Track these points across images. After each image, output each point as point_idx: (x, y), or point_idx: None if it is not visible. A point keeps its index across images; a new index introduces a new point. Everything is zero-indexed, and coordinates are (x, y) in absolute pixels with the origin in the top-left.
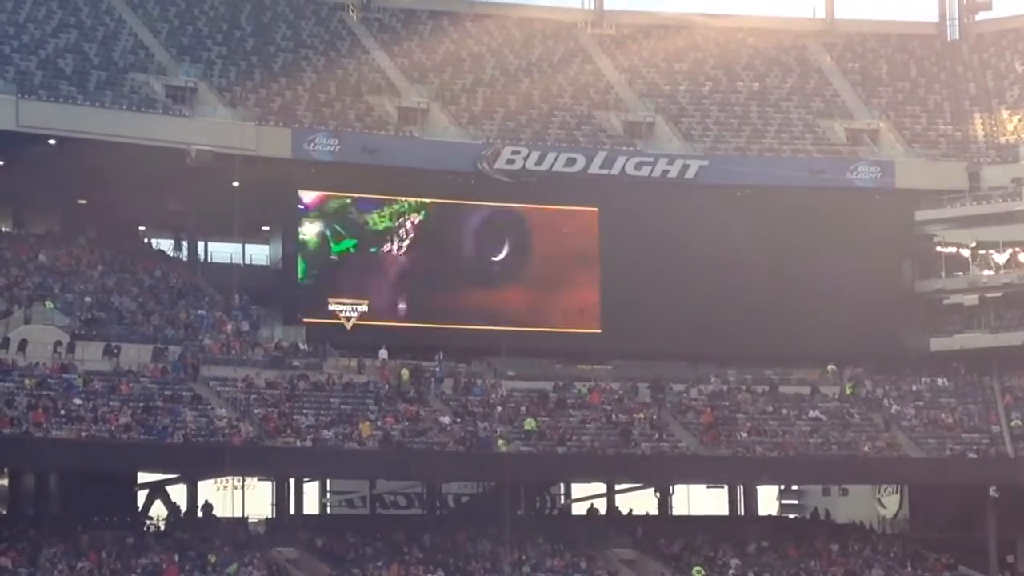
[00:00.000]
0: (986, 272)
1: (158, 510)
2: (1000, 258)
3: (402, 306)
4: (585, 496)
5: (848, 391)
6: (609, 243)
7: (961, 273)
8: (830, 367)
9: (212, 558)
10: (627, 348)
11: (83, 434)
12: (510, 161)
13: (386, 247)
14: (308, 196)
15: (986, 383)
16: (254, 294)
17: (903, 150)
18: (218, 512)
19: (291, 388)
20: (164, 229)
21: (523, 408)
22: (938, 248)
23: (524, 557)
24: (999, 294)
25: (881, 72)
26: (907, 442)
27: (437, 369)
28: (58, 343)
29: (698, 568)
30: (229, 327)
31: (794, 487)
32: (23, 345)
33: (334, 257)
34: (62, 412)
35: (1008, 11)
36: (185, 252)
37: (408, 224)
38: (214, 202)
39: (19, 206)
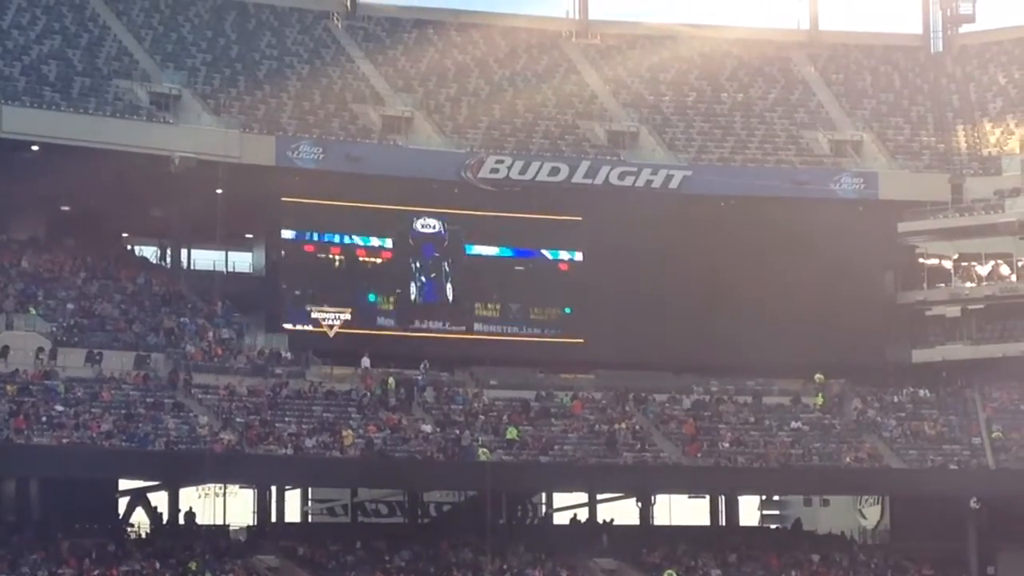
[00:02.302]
0: (968, 284)
1: (139, 517)
2: (982, 270)
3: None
4: (567, 506)
5: (819, 401)
6: (592, 252)
7: (943, 285)
8: (818, 376)
9: (193, 565)
10: (610, 358)
11: (64, 441)
12: (494, 170)
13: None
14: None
15: (967, 395)
16: (237, 301)
17: (886, 161)
18: (199, 520)
19: (273, 396)
20: (147, 236)
21: (505, 417)
22: (920, 260)
23: (505, 566)
24: (981, 306)
25: (865, 83)
26: (888, 453)
27: (420, 378)
28: (40, 349)
29: (670, 572)
30: (211, 334)
31: (775, 497)
32: (5, 351)
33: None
34: (44, 419)
35: (992, 24)
36: (168, 259)
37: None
38: (197, 209)
39: (2, 212)
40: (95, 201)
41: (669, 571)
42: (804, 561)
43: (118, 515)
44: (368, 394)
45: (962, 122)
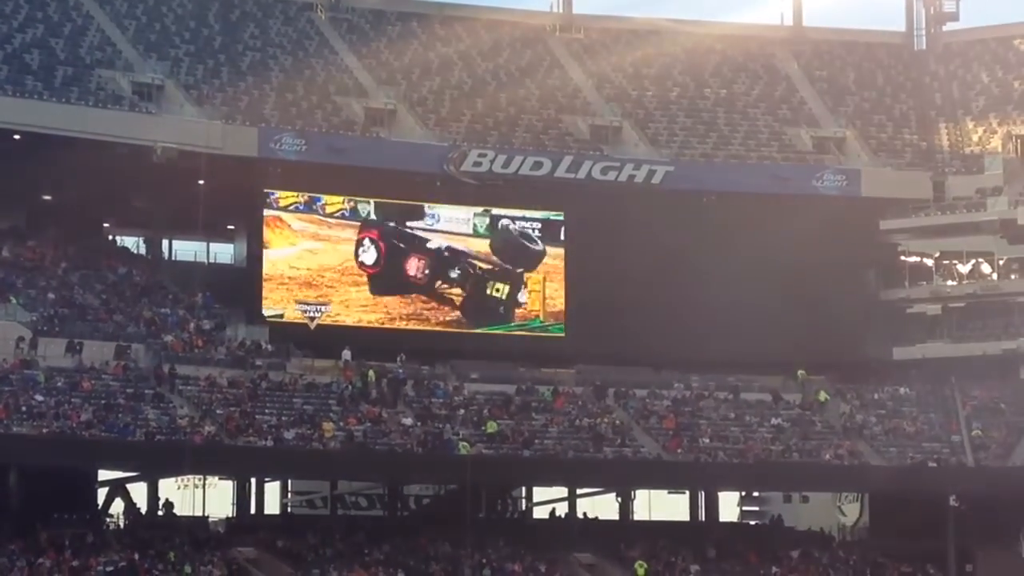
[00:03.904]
0: (949, 282)
1: (118, 508)
2: (963, 268)
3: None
4: (546, 500)
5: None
6: (574, 247)
7: (924, 283)
8: (800, 372)
9: (172, 557)
10: (591, 352)
11: (44, 430)
12: (476, 163)
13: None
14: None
15: (947, 393)
16: (218, 293)
17: (868, 159)
18: (178, 511)
19: (253, 387)
20: (129, 226)
21: (486, 411)
22: (902, 257)
23: (484, 560)
24: (962, 304)
25: (848, 81)
26: (868, 450)
27: (400, 370)
28: (21, 339)
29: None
30: (192, 325)
31: (755, 494)
32: None
33: None
34: (23, 408)
35: (975, 22)
36: (150, 250)
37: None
38: (179, 200)
39: None
40: (77, 191)
41: (640, 561)
42: (783, 557)
43: (97, 506)
44: (349, 387)
45: (945, 120)
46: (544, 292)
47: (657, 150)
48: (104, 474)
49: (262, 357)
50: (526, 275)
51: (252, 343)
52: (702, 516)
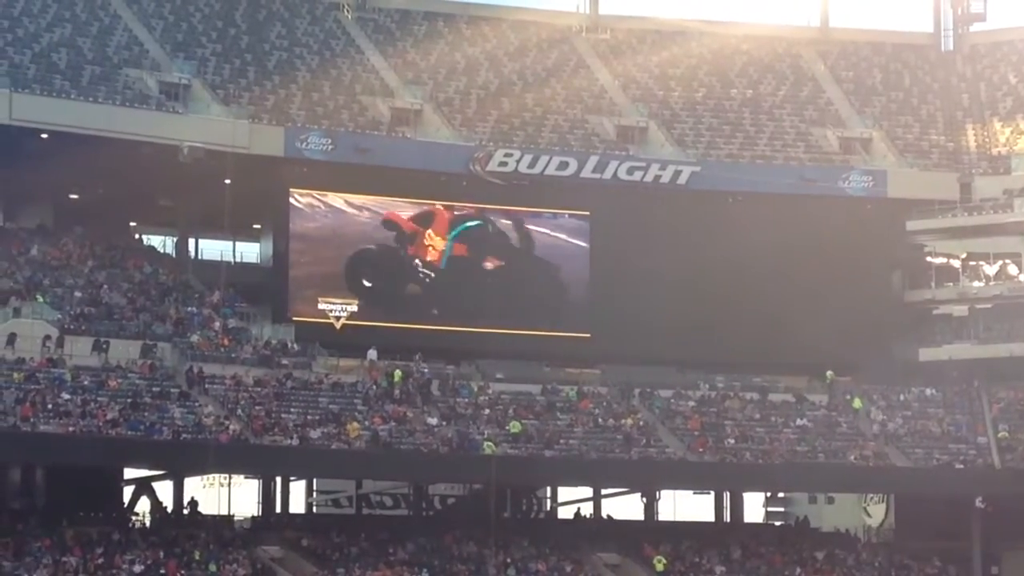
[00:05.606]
0: (976, 283)
1: (144, 506)
2: (990, 270)
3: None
4: (571, 500)
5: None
6: (600, 247)
7: (951, 284)
8: (829, 373)
9: (197, 555)
10: (616, 352)
11: (71, 429)
12: (502, 163)
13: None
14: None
15: (974, 394)
16: (244, 292)
17: (895, 160)
18: (204, 509)
19: (279, 387)
20: (155, 225)
21: (511, 411)
22: (928, 258)
23: (509, 560)
24: (988, 305)
25: (875, 81)
26: (894, 451)
27: (425, 369)
28: (47, 337)
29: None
30: (218, 324)
31: (780, 494)
32: (12, 339)
33: None
34: (50, 406)
35: (1003, 23)
36: (176, 249)
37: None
38: (206, 199)
39: (10, 200)
40: (104, 190)
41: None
42: (808, 559)
43: (123, 504)
44: (374, 386)
45: (972, 121)
46: None
47: (683, 151)
48: (130, 472)
49: (288, 356)
50: None
51: (278, 342)
52: (727, 517)
